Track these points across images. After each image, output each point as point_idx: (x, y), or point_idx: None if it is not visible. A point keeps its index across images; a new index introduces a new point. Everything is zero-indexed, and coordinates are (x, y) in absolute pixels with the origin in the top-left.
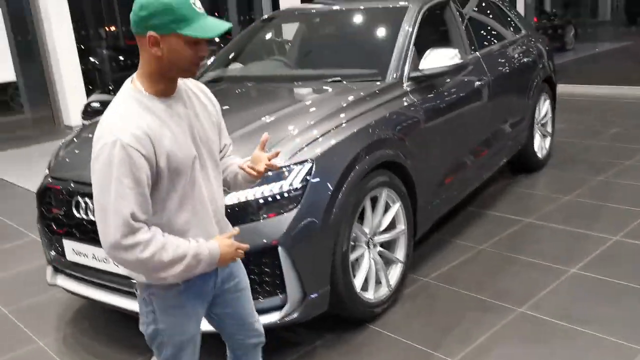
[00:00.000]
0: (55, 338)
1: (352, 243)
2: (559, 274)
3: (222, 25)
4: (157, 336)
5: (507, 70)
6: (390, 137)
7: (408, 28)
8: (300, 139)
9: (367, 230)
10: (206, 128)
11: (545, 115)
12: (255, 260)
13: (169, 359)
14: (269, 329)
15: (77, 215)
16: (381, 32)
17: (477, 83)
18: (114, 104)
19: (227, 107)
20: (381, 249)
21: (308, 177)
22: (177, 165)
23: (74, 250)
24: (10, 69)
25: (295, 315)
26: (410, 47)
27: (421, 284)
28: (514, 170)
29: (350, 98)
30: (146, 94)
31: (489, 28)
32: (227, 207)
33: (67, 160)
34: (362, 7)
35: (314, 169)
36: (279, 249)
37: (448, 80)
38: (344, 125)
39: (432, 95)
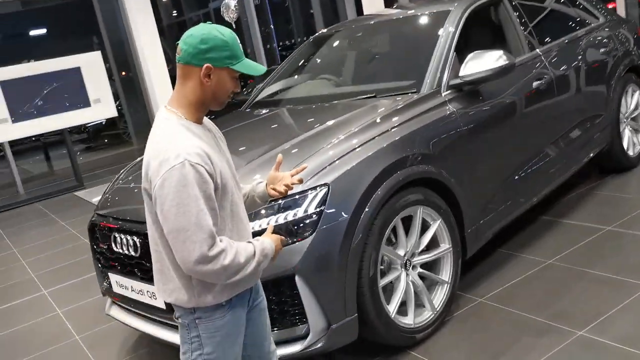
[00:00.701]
0: None
1: (381, 267)
2: (633, 290)
3: (262, 68)
4: None
5: (577, 65)
6: (424, 152)
7: (448, 33)
8: (317, 162)
9: (401, 252)
10: (226, 153)
11: (636, 108)
12: (274, 289)
13: None
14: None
15: (116, 249)
16: (420, 39)
17: (536, 83)
18: (162, 131)
19: (249, 134)
20: (422, 270)
21: (324, 203)
22: (225, 183)
23: (117, 282)
24: (112, 107)
25: (319, 345)
26: (451, 53)
27: (475, 305)
28: (602, 171)
29: (379, 114)
30: (186, 120)
31: (553, 21)
32: None
33: (109, 197)
34: (404, 16)
35: (330, 193)
36: (296, 277)
37: (497, 84)
38: (366, 144)
39: (477, 102)
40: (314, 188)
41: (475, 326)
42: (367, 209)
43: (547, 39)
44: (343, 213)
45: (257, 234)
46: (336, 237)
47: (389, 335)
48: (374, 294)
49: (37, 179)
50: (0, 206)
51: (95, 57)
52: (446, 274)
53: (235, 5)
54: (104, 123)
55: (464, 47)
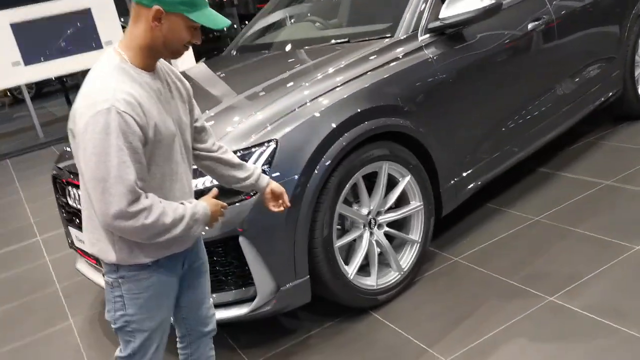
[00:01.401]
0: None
1: (338, 227)
2: (618, 252)
3: (226, 21)
4: (125, 324)
5: (582, 4)
6: (390, 104)
7: None
8: (267, 114)
9: (364, 211)
10: (179, 109)
11: None
12: (219, 249)
13: (136, 351)
14: (240, 321)
15: (71, 203)
16: None
17: (533, 24)
18: (98, 72)
19: (214, 83)
20: (389, 229)
21: (271, 160)
22: (161, 139)
23: (76, 237)
24: None
25: (268, 308)
26: None
27: (448, 264)
28: (616, 119)
29: (345, 61)
30: (129, 64)
31: None
32: None
33: (67, 149)
34: None
35: (278, 150)
36: (240, 239)
37: (484, 26)
38: (325, 95)
39: (459, 47)
40: (261, 144)
41: (444, 287)
42: (319, 168)
43: None
44: (291, 172)
45: (202, 193)
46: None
47: (347, 297)
48: (329, 255)
49: (58, 122)
50: (19, 149)
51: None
52: (416, 233)
53: None
54: None
55: None
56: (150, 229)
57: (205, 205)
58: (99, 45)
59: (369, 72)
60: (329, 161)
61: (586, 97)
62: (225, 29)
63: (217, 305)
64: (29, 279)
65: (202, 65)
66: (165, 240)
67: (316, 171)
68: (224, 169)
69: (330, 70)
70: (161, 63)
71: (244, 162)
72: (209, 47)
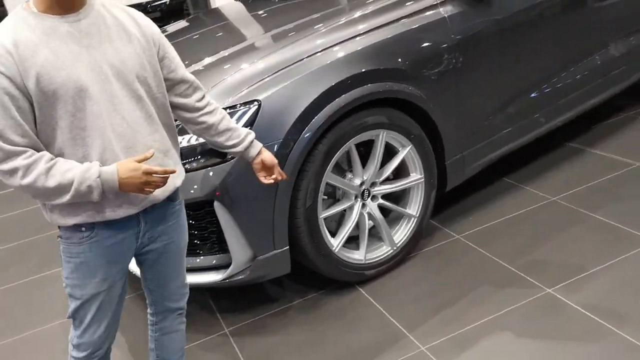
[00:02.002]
0: None
1: (324, 197)
2: (633, 245)
3: None
4: (64, 284)
5: None
6: (391, 67)
7: None
8: (254, 71)
9: (357, 181)
10: (123, 55)
11: None
12: (194, 213)
13: (73, 315)
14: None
15: None
16: None
17: None
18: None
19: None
20: (383, 201)
21: (255, 121)
22: (54, 88)
23: None
24: None
25: (242, 276)
26: None
27: (449, 242)
28: None
29: (347, 16)
30: (34, 11)
31: None
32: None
33: None
34: None
35: (260, 112)
36: (215, 204)
37: None
38: (318, 54)
39: (481, 6)
40: (243, 104)
41: (437, 267)
42: (305, 133)
43: None
44: (273, 136)
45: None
46: None
47: (331, 270)
48: (312, 226)
49: None
50: None
51: None
52: (414, 207)
53: None
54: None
55: None
56: (31, 190)
57: (114, 170)
58: None
59: (372, 30)
60: (316, 127)
61: (628, 68)
62: None
63: (193, 270)
64: (29, 222)
65: (236, 3)
66: (63, 203)
67: (302, 137)
68: (207, 132)
69: (332, 25)
70: (109, 8)
71: (233, 127)
72: None
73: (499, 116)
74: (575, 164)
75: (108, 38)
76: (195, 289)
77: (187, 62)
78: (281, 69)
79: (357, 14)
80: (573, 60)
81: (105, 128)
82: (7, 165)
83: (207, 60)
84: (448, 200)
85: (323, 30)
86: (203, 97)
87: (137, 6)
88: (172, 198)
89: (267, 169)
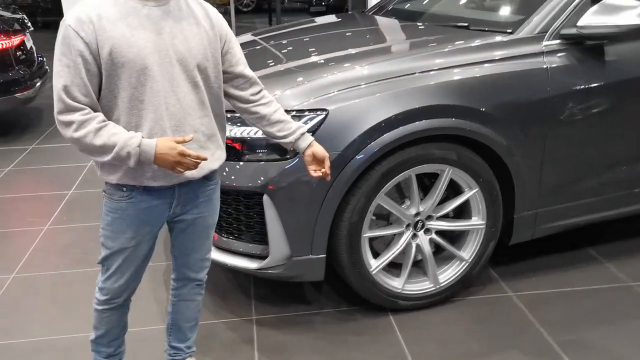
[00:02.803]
0: None
1: (373, 217)
2: None
3: None
4: (100, 234)
5: None
6: (472, 107)
7: None
8: (331, 81)
9: (412, 210)
10: (190, 43)
11: None
12: (245, 201)
13: (102, 261)
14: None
15: None
16: None
17: None
18: None
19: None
20: (436, 236)
21: (319, 128)
22: (123, 60)
23: None
24: None
25: (276, 271)
26: None
27: (499, 297)
28: None
29: (445, 47)
30: None
31: None
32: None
33: None
34: None
35: (326, 120)
36: (264, 197)
37: (632, 48)
38: (401, 77)
39: (589, 64)
40: (313, 110)
41: (478, 317)
42: (365, 151)
43: None
44: (332, 147)
45: (237, 140)
46: None
47: (364, 289)
48: (353, 241)
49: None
50: None
51: None
52: (468, 251)
53: None
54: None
55: None
56: (79, 143)
57: (153, 144)
58: None
59: (467, 66)
60: (377, 148)
61: None
62: None
63: (232, 252)
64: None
65: (355, 14)
66: (106, 161)
67: (361, 154)
68: (260, 122)
69: (424, 53)
70: (189, 2)
71: (285, 119)
72: None
73: (587, 182)
74: None
75: (180, 27)
76: (241, 272)
77: (295, 57)
78: (361, 85)
79: (457, 46)
80: None
81: (159, 105)
82: (65, 117)
83: (315, 58)
84: (518, 253)
85: (418, 55)
86: (259, 91)
87: (306, 1)
88: (208, 177)
89: (318, 162)
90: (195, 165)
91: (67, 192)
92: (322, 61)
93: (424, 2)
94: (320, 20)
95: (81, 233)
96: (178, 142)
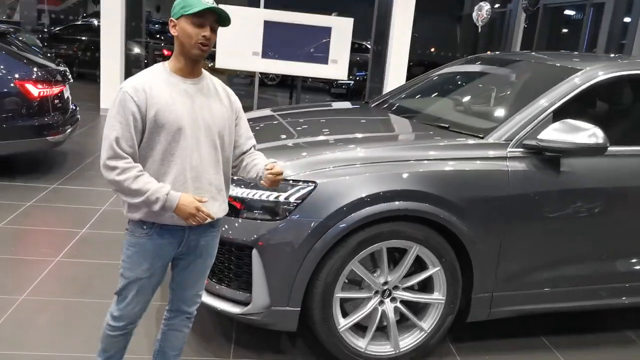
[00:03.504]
0: None
1: (345, 281)
2: None
3: (207, 5)
4: (120, 266)
5: None
6: (443, 195)
7: (556, 92)
8: (323, 159)
9: (381, 279)
10: (214, 115)
11: None
12: (236, 252)
13: (120, 291)
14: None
15: None
16: (530, 88)
17: None
18: (143, 71)
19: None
20: (401, 306)
21: (306, 198)
22: (164, 122)
23: None
24: (344, 70)
25: (256, 318)
26: (545, 113)
27: None
28: None
29: (422, 142)
30: (167, 69)
31: None
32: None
33: None
34: (531, 61)
35: (314, 192)
36: (254, 251)
37: (589, 165)
38: (380, 164)
39: (547, 171)
40: (305, 182)
41: None
42: (343, 222)
43: None
44: (316, 215)
45: (237, 199)
46: (301, 232)
47: (330, 345)
48: (326, 300)
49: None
50: None
51: (347, 23)
52: (428, 322)
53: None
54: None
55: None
56: (118, 185)
57: (177, 196)
58: (324, 61)
59: (440, 160)
60: (356, 220)
61: None
62: None
63: (220, 296)
64: None
65: (346, 103)
66: (134, 203)
67: (341, 223)
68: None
69: (409, 145)
70: (214, 82)
71: (257, 160)
72: None
73: (540, 274)
74: (620, 353)
75: (207, 102)
76: (225, 317)
77: (304, 134)
78: (351, 164)
79: (437, 143)
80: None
81: (185, 158)
82: (112, 162)
83: (321, 138)
84: (481, 331)
85: (404, 146)
86: (246, 150)
87: (328, 82)
88: (213, 225)
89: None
90: (204, 220)
91: (80, 230)
92: (329, 140)
93: (417, 101)
94: (334, 105)
95: (89, 268)
96: (197, 200)
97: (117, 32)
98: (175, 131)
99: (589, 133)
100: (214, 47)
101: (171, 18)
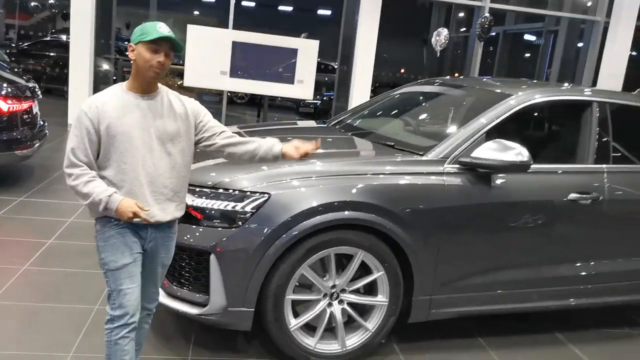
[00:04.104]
0: None
1: (297, 283)
2: None
3: (160, 34)
4: (102, 265)
5: None
6: (387, 207)
7: (489, 115)
8: (278, 172)
9: (329, 283)
10: (166, 124)
11: None
12: (195, 257)
13: (112, 287)
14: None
15: None
16: (469, 112)
17: (575, 195)
18: (103, 90)
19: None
20: (348, 307)
21: (260, 207)
22: (115, 133)
23: None
24: (310, 90)
25: (213, 318)
26: (478, 133)
27: None
28: None
29: (367, 158)
30: (123, 88)
31: None
32: (191, 206)
33: None
34: (476, 87)
35: (268, 202)
36: (211, 256)
37: (516, 180)
38: (331, 177)
39: (480, 186)
40: (260, 193)
41: None
42: (294, 230)
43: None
44: (270, 223)
45: (197, 208)
46: (255, 239)
47: (282, 344)
48: (278, 301)
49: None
50: None
51: (313, 45)
52: (373, 323)
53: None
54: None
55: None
56: (74, 189)
57: (118, 200)
58: (291, 81)
59: (386, 175)
60: (307, 228)
61: (617, 289)
62: None
63: (179, 298)
64: None
65: (311, 122)
66: (87, 203)
67: (292, 231)
68: (235, 148)
69: (359, 161)
70: (169, 95)
71: (250, 138)
72: None
73: (474, 279)
74: (548, 352)
75: (160, 114)
76: (185, 318)
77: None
78: (308, 177)
79: (383, 160)
80: (559, 261)
81: (138, 166)
82: (68, 170)
83: None
84: (425, 331)
85: (354, 161)
86: (223, 140)
87: (296, 101)
88: (171, 226)
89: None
90: (146, 220)
91: (47, 241)
92: None
93: (370, 121)
94: (300, 123)
95: (55, 276)
96: (138, 205)
97: (86, 48)
98: (126, 141)
99: (516, 152)
100: (182, 64)
101: (130, 43)
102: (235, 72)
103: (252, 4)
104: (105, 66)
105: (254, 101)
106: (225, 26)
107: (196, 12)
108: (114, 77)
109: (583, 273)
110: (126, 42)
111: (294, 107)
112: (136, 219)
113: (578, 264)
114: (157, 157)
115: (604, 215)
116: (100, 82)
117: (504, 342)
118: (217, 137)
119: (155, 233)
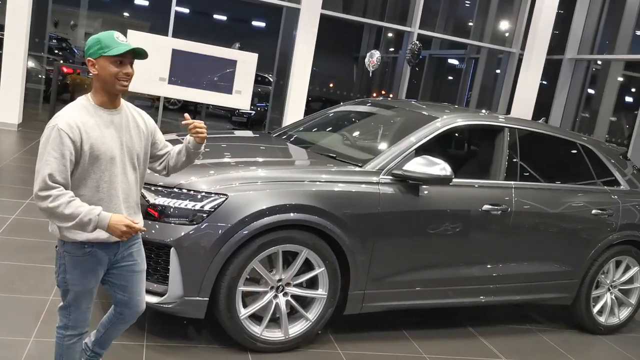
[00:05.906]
0: None
1: (247, 276)
2: None
3: (127, 47)
4: (64, 283)
5: (549, 212)
6: (329, 210)
7: (419, 135)
8: (235, 176)
9: (277, 277)
10: (134, 140)
11: (630, 282)
12: (157, 250)
13: (70, 303)
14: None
15: None
16: (404, 130)
17: (488, 206)
18: (68, 105)
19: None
20: (291, 300)
21: (217, 207)
22: (98, 154)
23: None
24: (247, 101)
25: (171, 306)
26: (409, 150)
27: (331, 352)
28: (572, 324)
29: (313, 168)
30: (92, 103)
31: (557, 168)
32: (151, 204)
33: None
34: (406, 108)
35: (225, 202)
36: (172, 250)
37: (438, 192)
38: (280, 182)
39: (410, 195)
40: (218, 194)
41: None
42: (248, 228)
43: (537, 178)
44: (226, 222)
45: (157, 206)
46: (212, 235)
47: (232, 331)
48: (230, 291)
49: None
50: None
51: (252, 57)
52: (312, 313)
53: (378, 57)
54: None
55: (438, 154)
56: (52, 211)
57: (108, 216)
58: (229, 91)
59: (331, 182)
60: (258, 227)
61: (533, 290)
62: None
63: None
64: None
65: (263, 134)
66: (68, 226)
67: (245, 230)
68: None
69: (303, 169)
70: (129, 108)
71: (177, 147)
72: None
73: (403, 277)
74: (462, 344)
75: (127, 129)
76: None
77: (209, 156)
78: (258, 181)
79: (325, 169)
80: (470, 263)
81: (117, 184)
82: (44, 192)
83: (226, 160)
84: (358, 324)
85: (299, 169)
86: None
87: (231, 110)
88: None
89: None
90: (135, 233)
91: None
92: (232, 162)
93: (312, 134)
94: (238, 133)
95: (6, 269)
96: (126, 218)
97: (21, 46)
98: (108, 161)
99: (440, 167)
100: None
101: (89, 58)
102: (173, 79)
103: (187, 10)
104: (35, 65)
105: (187, 108)
106: (157, 30)
107: (126, 14)
108: (42, 76)
109: (493, 274)
110: (54, 41)
111: (227, 116)
112: (126, 237)
113: (489, 266)
114: (129, 173)
115: (511, 224)
116: (31, 80)
117: (425, 335)
118: (162, 156)
119: (125, 245)
